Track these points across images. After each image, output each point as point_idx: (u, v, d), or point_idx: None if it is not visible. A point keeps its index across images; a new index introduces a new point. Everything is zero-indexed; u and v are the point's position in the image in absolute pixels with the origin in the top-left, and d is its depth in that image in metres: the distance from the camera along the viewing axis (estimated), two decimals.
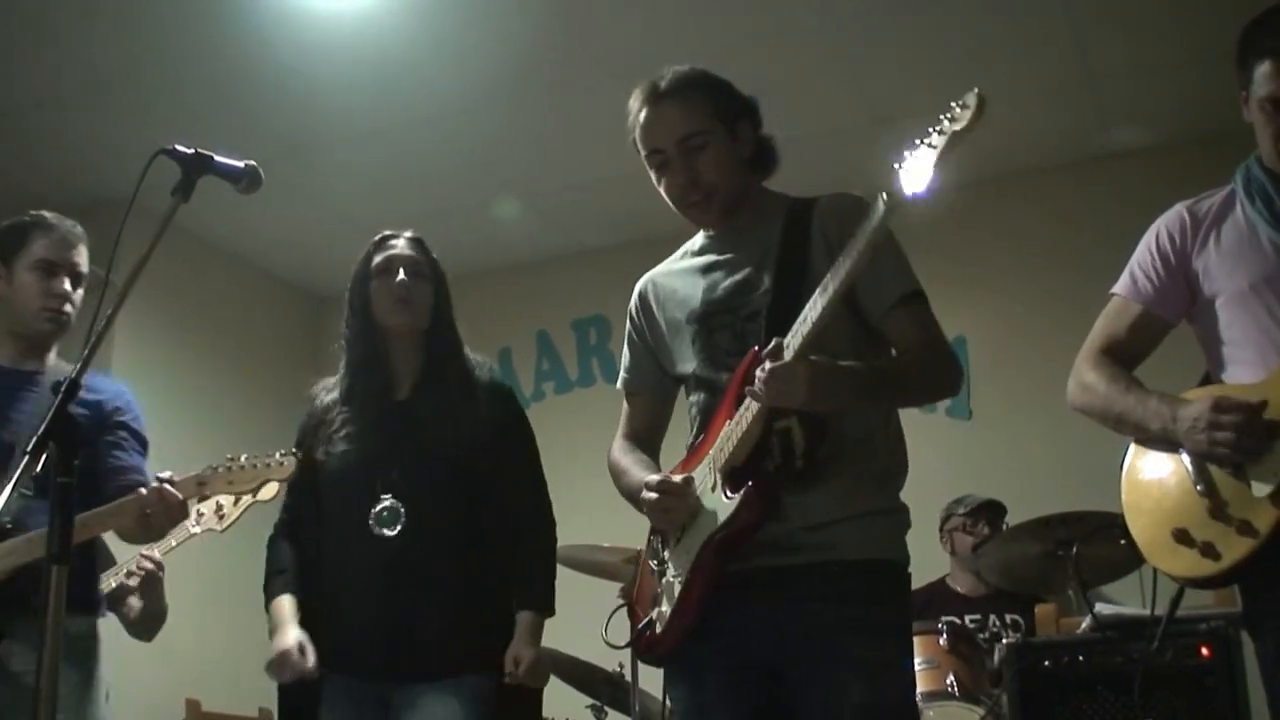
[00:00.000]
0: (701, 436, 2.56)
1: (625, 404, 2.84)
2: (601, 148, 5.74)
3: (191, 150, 2.29)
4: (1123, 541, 2.57)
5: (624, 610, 2.80)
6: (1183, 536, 2.39)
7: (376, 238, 3.31)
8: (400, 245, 3.26)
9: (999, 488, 5.11)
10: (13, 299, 3.18)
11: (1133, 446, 2.57)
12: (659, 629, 2.54)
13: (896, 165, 2.15)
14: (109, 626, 4.77)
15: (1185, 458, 2.42)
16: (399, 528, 3.04)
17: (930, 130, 2.13)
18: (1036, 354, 5.36)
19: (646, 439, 2.79)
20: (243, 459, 2.92)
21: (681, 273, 2.71)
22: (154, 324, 6.09)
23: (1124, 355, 2.63)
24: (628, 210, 6.27)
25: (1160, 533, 2.44)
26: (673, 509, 2.46)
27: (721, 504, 2.38)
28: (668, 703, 2.78)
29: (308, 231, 6.50)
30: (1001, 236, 5.83)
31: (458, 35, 4.97)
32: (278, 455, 2.93)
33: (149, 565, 3.82)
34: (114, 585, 3.86)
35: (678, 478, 2.48)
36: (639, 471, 2.65)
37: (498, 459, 3.17)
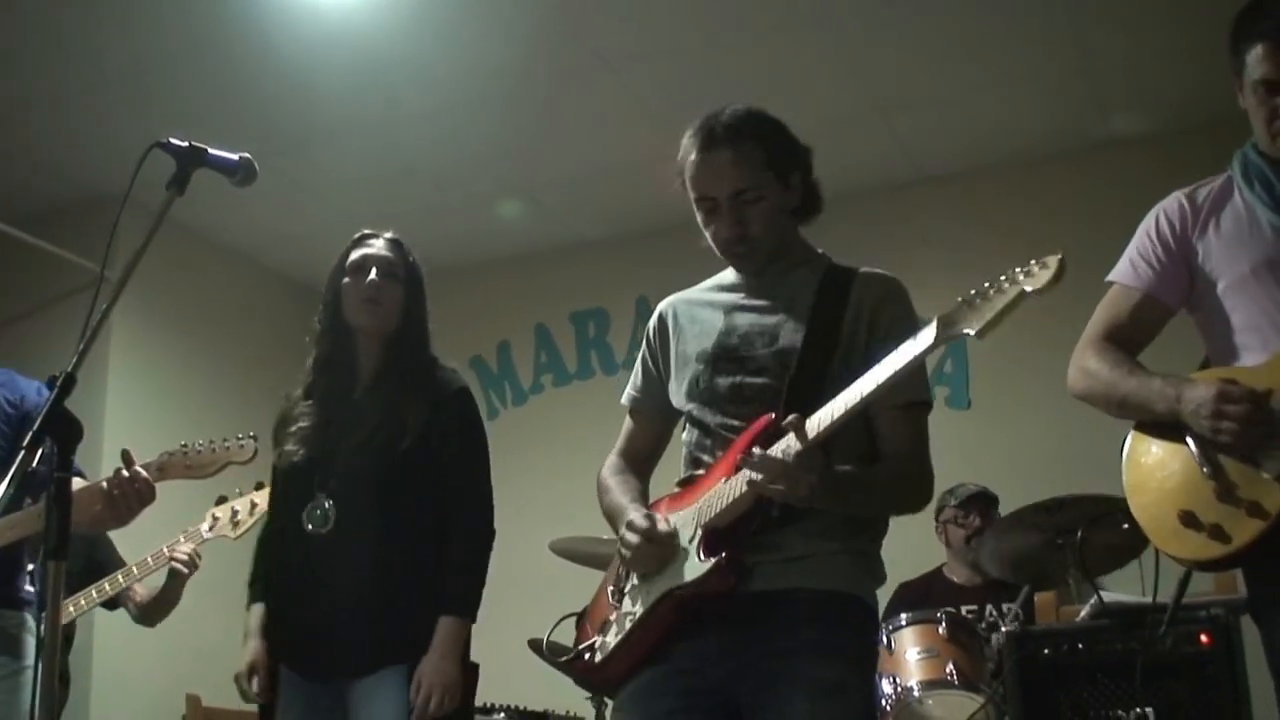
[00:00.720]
0: (692, 481, 2.55)
1: (628, 420, 2.82)
2: (600, 141, 5.77)
3: (186, 143, 2.28)
4: (1125, 526, 2.56)
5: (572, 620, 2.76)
6: (1189, 519, 2.37)
7: (356, 235, 3.30)
8: (377, 245, 3.25)
9: (997, 477, 5.11)
10: None
11: (1133, 431, 2.55)
12: (598, 658, 2.54)
13: (961, 299, 2.12)
14: (112, 625, 4.78)
15: (1190, 440, 2.40)
16: (328, 526, 3.05)
17: (1003, 276, 2.09)
18: (1034, 343, 5.35)
19: (641, 461, 2.78)
20: (199, 443, 2.89)
21: (706, 305, 2.68)
22: (151, 319, 6.09)
23: (1125, 342, 2.61)
24: (626, 203, 6.28)
25: (1166, 515, 2.42)
26: (651, 557, 2.45)
27: (693, 562, 2.38)
28: None
29: (305, 226, 6.49)
30: (999, 225, 5.83)
31: (455, 29, 4.97)
32: (236, 439, 2.92)
33: (181, 565, 3.81)
34: (128, 586, 3.88)
35: (663, 527, 2.46)
36: (623, 497, 2.64)
37: (439, 461, 3.14)
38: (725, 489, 2.39)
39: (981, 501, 4.97)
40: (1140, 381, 2.50)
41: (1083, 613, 3.59)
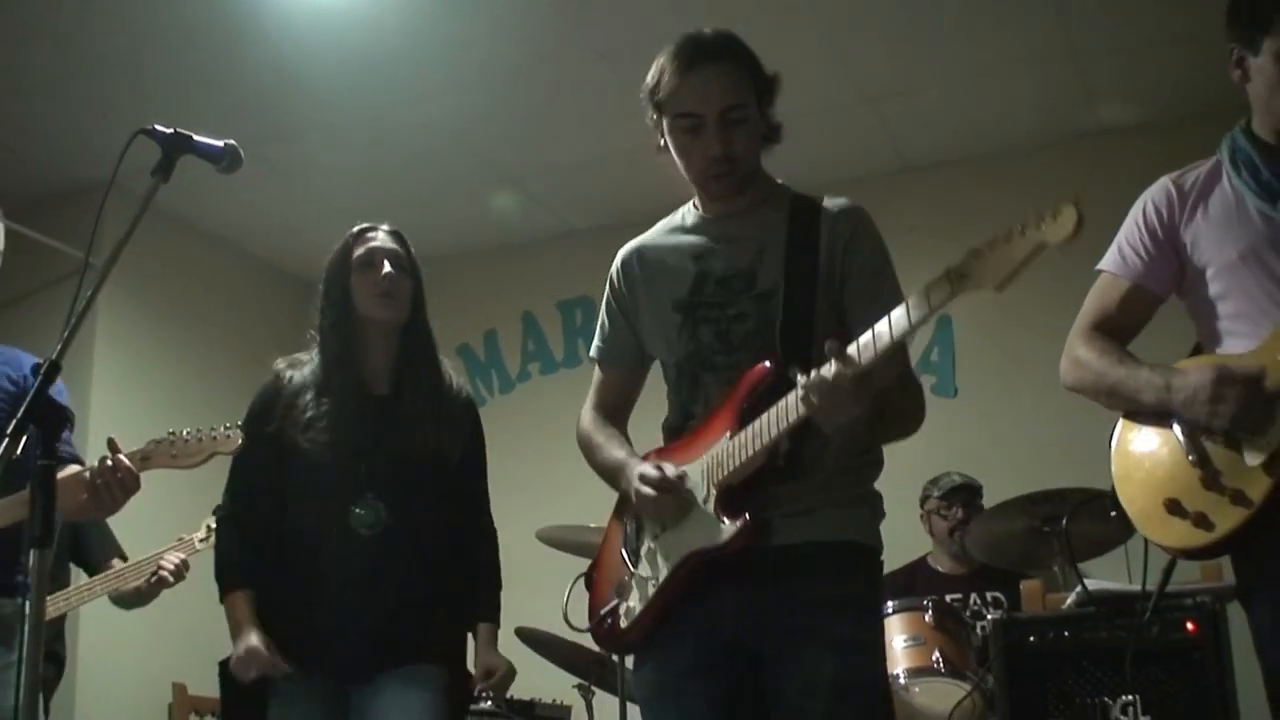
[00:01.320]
0: (687, 434, 2.55)
1: (597, 371, 2.81)
2: (588, 129, 5.76)
3: (171, 130, 2.27)
4: (1113, 514, 2.56)
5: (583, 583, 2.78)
6: (1175, 507, 2.38)
7: (355, 230, 3.27)
8: (381, 238, 3.24)
9: (983, 465, 5.13)
10: None
11: (1122, 420, 2.56)
12: (624, 623, 2.54)
13: (970, 250, 2.10)
14: (98, 612, 4.77)
15: (1177, 429, 2.41)
16: (377, 528, 3.04)
17: (1015, 229, 2.06)
18: (1021, 332, 5.37)
19: (616, 412, 2.76)
20: (185, 432, 2.85)
21: (671, 250, 2.64)
22: (138, 307, 6.08)
23: (1116, 331, 2.62)
24: (614, 192, 6.27)
25: (1152, 503, 2.43)
26: (666, 506, 2.45)
27: (715, 523, 2.38)
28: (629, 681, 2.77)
29: (294, 215, 6.48)
30: (986, 214, 5.80)
31: (445, 18, 4.95)
32: (223, 428, 2.88)
33: (167, 574, 3.81)
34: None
35: (672, 472, 2.45)
36: (618, 450, 2.62)
37: (462, 465, 3.20)
38: (735, 445, 2.38)
39: (965, 494, 4.97)
40: (1129, 371, 2.51)
41: (1069, 600, 3.60)
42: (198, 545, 3.49)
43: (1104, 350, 2.57)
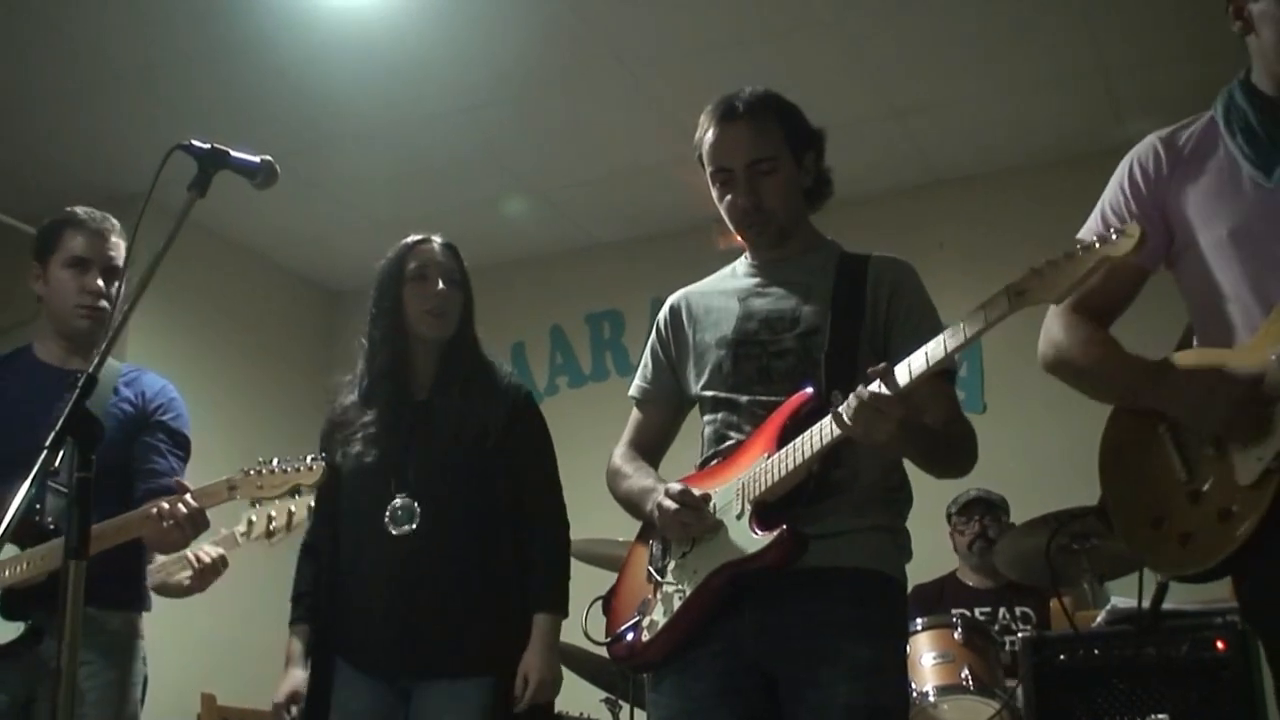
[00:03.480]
0: (721, 459, 2.57)
1: (635, 412, 2.85)
2: (614, 141, 5.78)
3: (208, 145, 2.28)
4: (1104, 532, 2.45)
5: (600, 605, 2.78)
6: (1161, 525, 2.17)
7: (409, 240, 3.25)
8: (435, 252, 3.23)
9: (1012, 480, 5.11)
10: (50, 298, 3.17)
11: (1110, 415, 2.35)
12: (646, 637, 2.54)
13: (1031, 268, 2.10)
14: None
15: (1166, 433, 2.20)
16: (413, 525, 3.04)
17: (1078, 245, 2.06)
18: None
19: (651, 452, 2.80)
20: (274, 463, 2.87)
21: (719, 294, 2.72)
22: (169, 319, 6.11)
23: (1097, 309, 2.37)
24: (640, 204, 6.29)
25: (1139, 519, 2.24)
26: (691, 522, 2.47)
27: (749, 536, 2.39)
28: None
29: (322, 226, 6.52)
30: (1015, 229, 5.82)
31: (470, 30, 4.98)
32: (308, 460, 2.88)
33: (208, 563, 3.80)
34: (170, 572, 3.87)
35: (698, 492, 2.48)
36: (643, 478, 2.66)
37: (512, 458, 3.16)
38: (771, 464, 2.39)
39: (980, 506, 4.96)
40: (1114, 364, 2.30)
41: (1099, 618, 3.59)
42: (239, 540, 3.48)
43: (1085, 337, 2.34)
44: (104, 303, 3.14)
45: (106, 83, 5.21)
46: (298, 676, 3.09)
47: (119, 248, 3.18)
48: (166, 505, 2.82)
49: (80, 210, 3.22)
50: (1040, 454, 5.58)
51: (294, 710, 3.08)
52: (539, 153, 5.93)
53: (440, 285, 3.17)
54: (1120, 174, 2.40)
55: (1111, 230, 2.04)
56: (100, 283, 3.14)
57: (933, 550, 4.92)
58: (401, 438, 3.12)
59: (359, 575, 3.10)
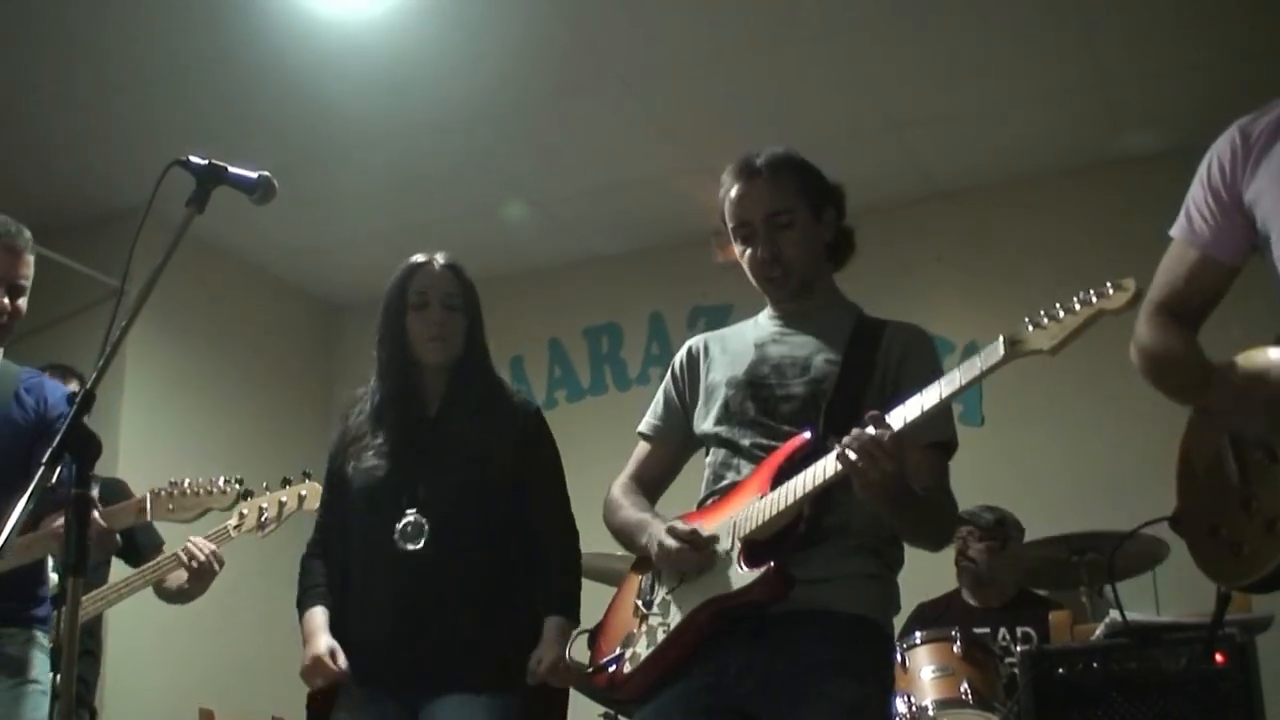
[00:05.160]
0: (718, 497, 2.59)
1: (642, 445, 2.86)
2: (613, 154, 5.78)
3: (205, 161, 2.28)
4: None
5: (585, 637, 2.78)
6: (1216, 534, 2.15)
7: (411, 263, 3.25)
8: (435, 275, 3.22)
9: (1010, 494, 5.10)
10: None
11: (1190, 420, 2.29)
12: (628, 669, 2.54)
13: (1028, 320, 2.16)
14: (122, 634, 4.79)
15: (1226, 441, 2.15)
16: (422, 542, 3.04)
17: (1075, 298, 2.13)
18: (1047, 360, 5.35)
19: (651, 487, 2.82)
20: (186, 484, 2.86)
21: (737, 338, 2.77)
22: (167, 334, 6.11)
23: (1185, 308, 2.30)
24: (639, 217, 6.29)
25: (1200, 530, 2.21)
26: (688, 561, 2.48)
27: (736, 573, 2.40)
28: None
29: (321, 238, 6.52)
30: (1014, 241, 5.83)
31: (468, 42, 4.99)
32: (221, 482, 2.87)
33: (204, 559, 3.77)
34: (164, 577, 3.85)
35: (706, 532, 2.48)
36: (641, 512, 2.69)
37: (522, 474, 3.17)
38: (763, 504, 2.42)
39: (1000, 530, 4.92)
40: (1178, 365, 2.25)
41: (1098, 631, 3.58)
42: (231, 533, 3.46)
43: (1162, 338, 2.28)
44: (4, 318, 3.10)
45: (105, 95, 5.21)
46: (320, 644, 3.03)
47: (29, 265, 3.14)
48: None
49: None
50: (1038, 468, 5.58)
51: (319, 680, 3.01)
52: (537, 165, 5.94)
53: (437, 312, 3.17)
54: (1201, 168, 2.31)
55: (1108, 285, 2.07)
56: (5, 301, 3.09)
57: (933, 567, 4.92)
58: (412, 455, 3.12)
59: (367, 591, 3.09)
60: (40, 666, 3.11)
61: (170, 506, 2.86)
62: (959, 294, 5.84)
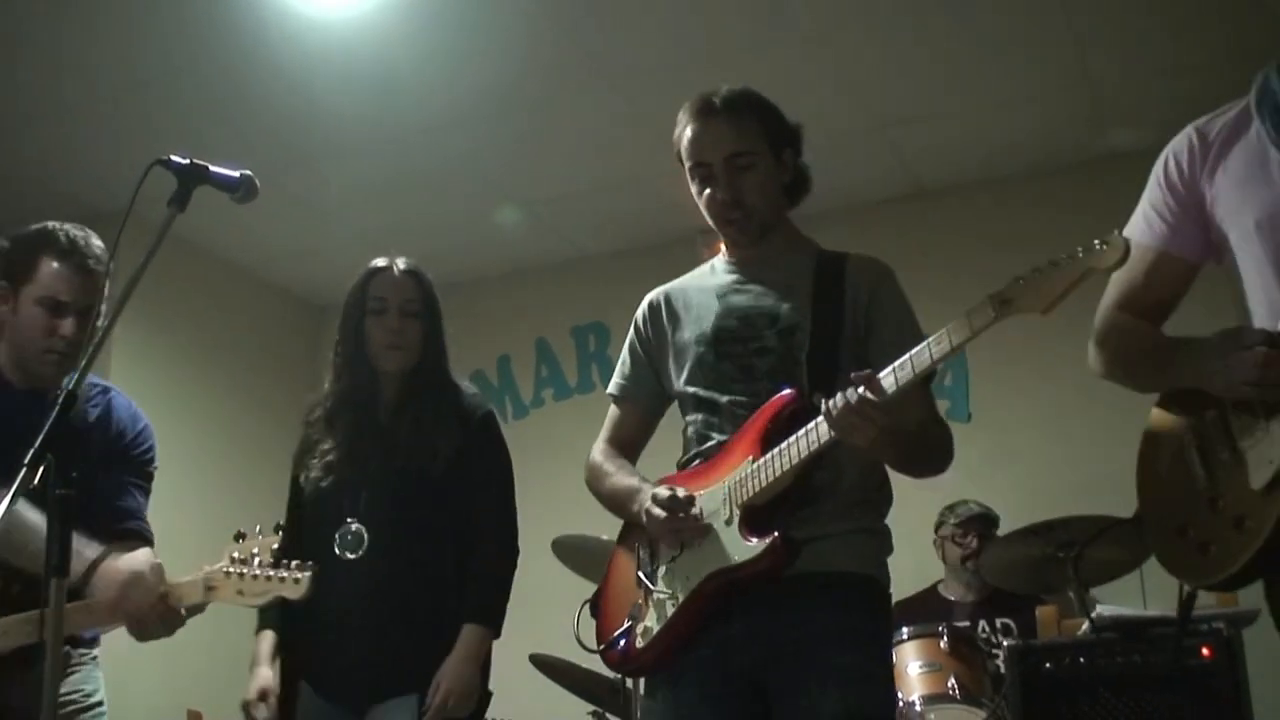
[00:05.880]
0: (703, 460, 2.57)
1: (613, 409, 2.85)
2: (600, 154, 5.78)
3: (187, 160, 2.28)
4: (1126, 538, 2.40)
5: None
6: (1185, 534, 2.13)
7: (371, 267, 3.26)
8: (394, 281, 3.23)
9: (997, 489, 5.12)
10: (17, 331, 2.84)
11: (1150, 418, 2.28)
12: (640, 644, 2.54)
13: (1017, 277, 2.12)
14: (110, 637, 4.76)
15: (1190, 440, 2.15)
16: (361, 551, 3.05)
17: (1064, 255, 2.08)
18: (1036, 357, 5.36)
19: (629, 449, 2.80)
20: (256, 564, 2.67)
21: (698, 291, 2.72)
22: (152, 335, 6.09)
23: (1146, 308, 2.31)
24: (626, 216, 6.29)
25: (1166, 530, 2.20)
26: (680, 528, 2.46)
27: (740, 544, 2.39)
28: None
29: (307, 241, 6.50)
30: (1000, 239, 5.83)
31: (455, 44, 4.97)
32: (294, 570, 2.68)
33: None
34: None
35: (683, 494, 2.47)
36: (627, 477, 2.66)
37: (466, 482, 3.17)
38: (759, 468, 2.40)
39: (981, 523, 4.95)
40: (1155, 341, 2.24)
41: (1084, 626, 3.59)
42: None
43: (1130, 330, 2.28)
44: (69, 348, 2.83)
45: (92, 98, 5.19)
46: (266, 674, 3.11)
47: (103, 289, 2.84)
48: (138, 610, 2.65)
49: (65, 234, 2.88)
50: (1025, 463, 5.58)
51: (265, 709, 3.08)
52: (524, 166, 5.93)
53: (394, 318, 3.17)
54: (1157, 168, 2.34)
55: (1096, 242, 2.03)
56: (74, 327, 2.82)
57: (916, 563, 4.93)
58: (357, 463, 3.13)
59: (318, 601, 3.09)
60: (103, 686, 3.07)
61: (240, 590, 2.68)
62: (946, 291, 5.83)
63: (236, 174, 2.34)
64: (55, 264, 2.83)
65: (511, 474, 3.28)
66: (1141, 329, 2.29)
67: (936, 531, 5.05)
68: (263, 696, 3.09)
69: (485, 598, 3.11)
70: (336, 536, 3.07)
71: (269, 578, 2.67)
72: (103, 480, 2.85)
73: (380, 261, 3.27)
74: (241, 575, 2.67)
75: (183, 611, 2.69)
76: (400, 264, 3.26)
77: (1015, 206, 5.94)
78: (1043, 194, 5.92)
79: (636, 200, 5.99)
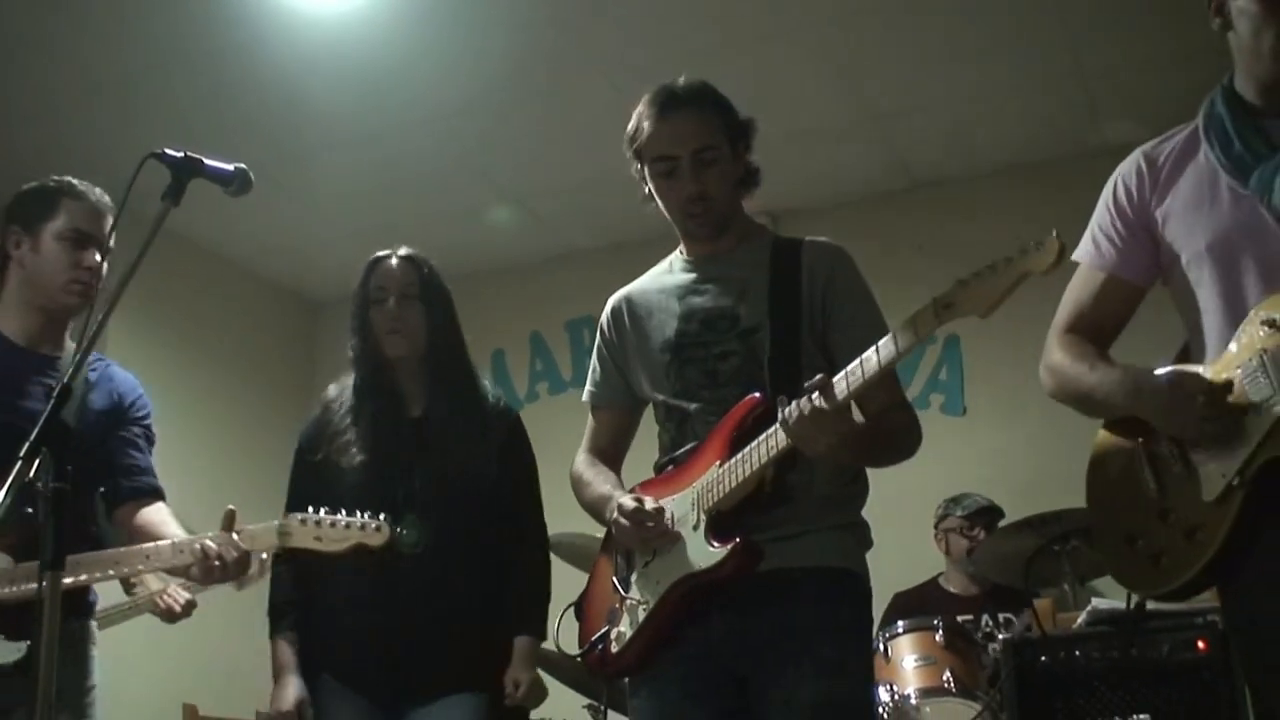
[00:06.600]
0: (675, 465, 2.59)
1: (591, 418, 2.87)
2: (593, 149, 5.75)
3: (181, 154, 2.28)
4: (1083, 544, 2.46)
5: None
6: (1135, 543, 2.18)
7: (372, 258, 3.28)
8: (392, 268, 3.24)
9: (992, 484, 5.12)
10: (38, 269, 2.94)
11: (1100, 433, 2.33)
12: (615, 648, 2.56)
13: (957, 280, 2.15)
14: (107, 632, 4.75)
15: (1141, 451, 2.20)
16: (422, 548, 3.03)
17: (1001, 258, 2.12)
18: (1030, 351, 5.34)
19: (611, 455, 2.82)
20: (340, 515, 2.73)
21: (657, 293, 2.73)
22: (146, 330, 6.07)
23: (1093, 329, 2.35)
24: (619, 211, 6.24)
25: (1116, 539, 2.24)
26: (648, 536, 2.49)
27: (705, 549, 2.41)
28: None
29: (301, 236, 6.49)
30: (994, 232, 5.81)
31: (447, 39, 4.97)
32: (373, 523, 2.74)
33: (178, 611, 3.77)
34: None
35: (650, 505, 2.49)
36: (603, 485, 2.69)
37: (504, 483, 3.20)
38: (724, 473, 2.42)
39: (988, 515, 4.93)
40: (1100, 377, 2.25)
41: (1079, 620, 3.59)
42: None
43: (1078, 355, 2.31)
44: (97, 281, 2.94)
45: (85, 92, 5.18)
46: (297, 684, 3.06)
47: (111, 237, 2.96)
48: (214, 546, 2.70)
49: (76, 181, 3.06)
50: (1020, 457, 5.59)
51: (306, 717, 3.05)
52: (519, 161, 5.93)
53: (391, 304, 3.17)
54: (1106, 192, 2.39)
55: (1031, 244, 2.06)
56: (97, 259, 2.93)
57: (912, 556, 4.93)
58: (403, 456, 3.11)
59: (353, 592, 3.07)
60: (97, 668, 3.07)
61: (318, 536, 2.72)
62: (940, 284, 5.84)
63: (230, 167, 2.34)
64: (76, 202, 2.99)
65: (537, 471, 3.33)
66: (1080, 370, 2.30)
67: (938, 525, 5.04)
68: (301, 709, 3.04)
69: (533, 609, 3.18)
70: (396, 532, 3.04)
71: (348, 525, 2.72)
72: (110, 437, 2.99)
73: (381, 253, 3.30)
74: (319, 523, 2.72)
75: (264, 557, 2.82)
76: (400, 252, 3.28)
77: (1010, 198, 5.94)
78: (1037, 186, 5.92)
79: (630, 195, 5.91)
